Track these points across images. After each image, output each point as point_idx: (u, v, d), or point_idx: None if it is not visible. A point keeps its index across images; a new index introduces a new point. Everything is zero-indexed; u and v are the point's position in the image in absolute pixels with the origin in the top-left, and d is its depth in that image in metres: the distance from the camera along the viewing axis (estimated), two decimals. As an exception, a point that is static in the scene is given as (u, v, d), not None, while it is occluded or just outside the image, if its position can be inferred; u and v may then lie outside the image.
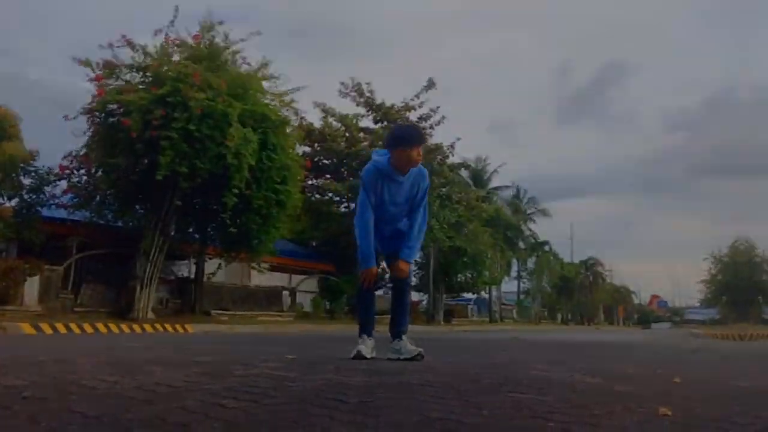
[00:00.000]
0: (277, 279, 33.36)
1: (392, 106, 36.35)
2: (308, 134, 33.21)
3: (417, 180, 6.15)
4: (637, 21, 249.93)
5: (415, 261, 44.30)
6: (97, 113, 20.01)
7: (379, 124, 35.99)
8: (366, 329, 6.29)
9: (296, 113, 24.48)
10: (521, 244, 64.87)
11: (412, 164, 6.02)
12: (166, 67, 19.83)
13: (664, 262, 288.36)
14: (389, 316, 6.47)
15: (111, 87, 19.91)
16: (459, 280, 45.76)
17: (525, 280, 74.31)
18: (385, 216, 6.24)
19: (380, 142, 31.28)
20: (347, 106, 36.80)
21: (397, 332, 6.23)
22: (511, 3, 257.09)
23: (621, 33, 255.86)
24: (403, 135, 6.21)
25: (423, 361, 5.97)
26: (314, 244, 39.93)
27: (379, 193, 6.13)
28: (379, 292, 28.30)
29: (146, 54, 20.48)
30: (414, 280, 45.16)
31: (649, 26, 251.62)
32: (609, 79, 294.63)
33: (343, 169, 35.56)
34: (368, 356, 5.97)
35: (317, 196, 36.62)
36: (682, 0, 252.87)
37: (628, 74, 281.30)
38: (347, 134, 35.30)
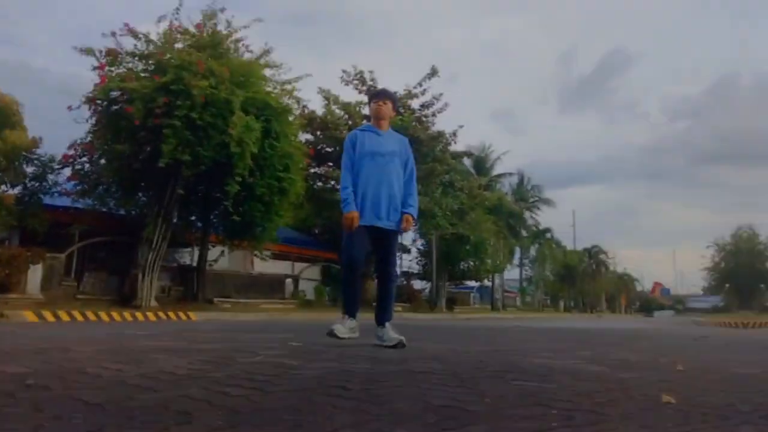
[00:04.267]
0: (280, 267, 33.36)
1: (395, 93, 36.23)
2: (310, 122, 33.15)
3: (400, 143, 6.73)
4: (640, 8, 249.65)
5: (417, 249, 44.55)
6: (99, 101, 19.95)
7: (382, 112, 35.88)
8: (348, 310, 6.41)
9: (298, 102, 24.37)
10: (524, 232, 64.65)
11: (376, 115, 6.70)
12: (169, 55, 19.75)
13: (666, 250, 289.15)
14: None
15: (113, 75, 19.85)
16: (462, 267, 45.66)
17: (527, 268, 74.20)
18: (374, 169, 6.42)
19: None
20: (350, 94, 36.67)
21: (381, 319, 6.39)
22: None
23: (624, 21, 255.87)
24: (370, 92, 6.83)
25: (423, 349, 6.02)
26: (317, 231, 39.89)
27: (362, 144, 6.54)
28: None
29: (149, 42, 20.45)
30: (416, 268, 45.34)
31: (651, 14, 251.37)
32: (612, 67, 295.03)
33: (345, 157, 35.22)
34: (342, 336, 6.12)
35: (320, 184, 36.30)
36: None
37: (631, 62, 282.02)
38: (350, 122, 35.07)
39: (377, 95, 6.97)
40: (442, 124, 38.84)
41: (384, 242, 6.44)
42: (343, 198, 6.37)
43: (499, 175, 61.04)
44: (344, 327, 6.21)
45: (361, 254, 6.42)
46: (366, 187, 6.37)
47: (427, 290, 45.43)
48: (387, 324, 6.33)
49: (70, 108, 19.76)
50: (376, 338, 6.33)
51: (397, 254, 6.91)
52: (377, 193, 6.33)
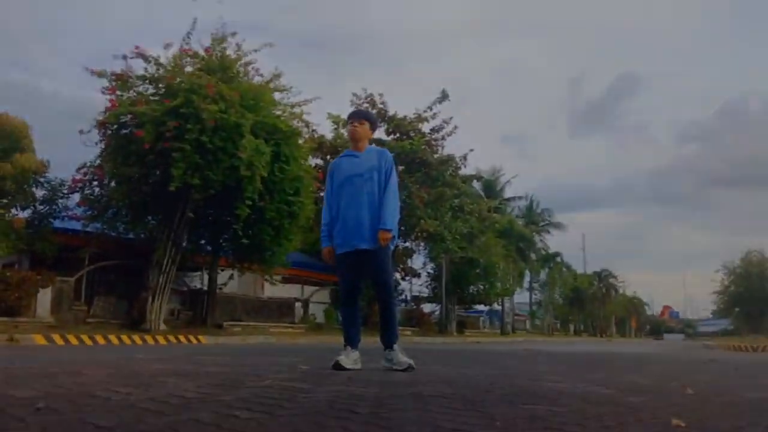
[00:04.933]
0: (290, 290, 33.30)
1: (404, 117, 36.19)
2: (320, 146, 33.16)
3: (378, 156, 6.66)
4: (650, 33, 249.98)
5: (427, 273, 44.37)
6: (109, 125, 20.00)
7: (392, 136, 35.86)
8: (350, 341, 6.43)
9: (307, 125, 24.38)
10: (533, 256, 64.46)
11: (351, 137, 6.85)
12: (179, 79, 19.82)
13: (676, 274, 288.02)
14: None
15: (124, 99, 19.92)
16: (471, 291, 45.50)
17: (537, 291, 73.96)
18: (353, 193, 6.47)
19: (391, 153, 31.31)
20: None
21: (387, 342, 6.42)
22: (524, 15, 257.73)
23: (634, 45, 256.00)
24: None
25: (433, 372, 6.01)
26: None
27: (339, 171, 6.68)
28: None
29: (159, 65, 20.52)
30: (426, 291, 45.19)
31: (661, 38, 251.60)
32: (622, 91, 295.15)
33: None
34: (348, 367, 6.06)
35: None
36: (694, 12, 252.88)
37: (641, 86, 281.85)
38: (359, 146, 35.03)
39: (351, 116, 7.02)
40: (452, 147, 38.74)
41: (373, 263, 6.41)
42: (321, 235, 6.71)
43: (509, 199, 61.01)
44: (348, 358, 6.20)
45: (356, 280, 6.55)
46: (347, 211, 6.46)
47: (436, 314, 45.32)
48: (395, 347, 6.34)
49: (81, 132, 19.85)
50: (385, 361, 6.34)
51: (395, 274, 6.69)
52: (359, 215, 6.38)
